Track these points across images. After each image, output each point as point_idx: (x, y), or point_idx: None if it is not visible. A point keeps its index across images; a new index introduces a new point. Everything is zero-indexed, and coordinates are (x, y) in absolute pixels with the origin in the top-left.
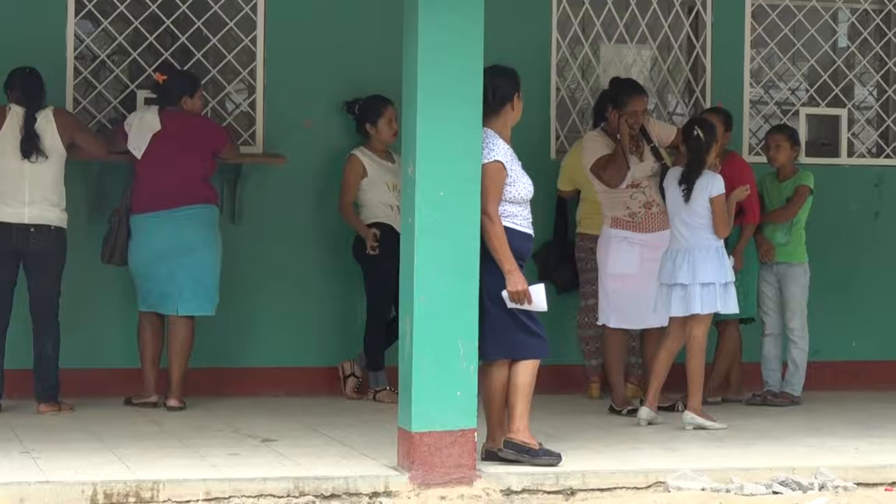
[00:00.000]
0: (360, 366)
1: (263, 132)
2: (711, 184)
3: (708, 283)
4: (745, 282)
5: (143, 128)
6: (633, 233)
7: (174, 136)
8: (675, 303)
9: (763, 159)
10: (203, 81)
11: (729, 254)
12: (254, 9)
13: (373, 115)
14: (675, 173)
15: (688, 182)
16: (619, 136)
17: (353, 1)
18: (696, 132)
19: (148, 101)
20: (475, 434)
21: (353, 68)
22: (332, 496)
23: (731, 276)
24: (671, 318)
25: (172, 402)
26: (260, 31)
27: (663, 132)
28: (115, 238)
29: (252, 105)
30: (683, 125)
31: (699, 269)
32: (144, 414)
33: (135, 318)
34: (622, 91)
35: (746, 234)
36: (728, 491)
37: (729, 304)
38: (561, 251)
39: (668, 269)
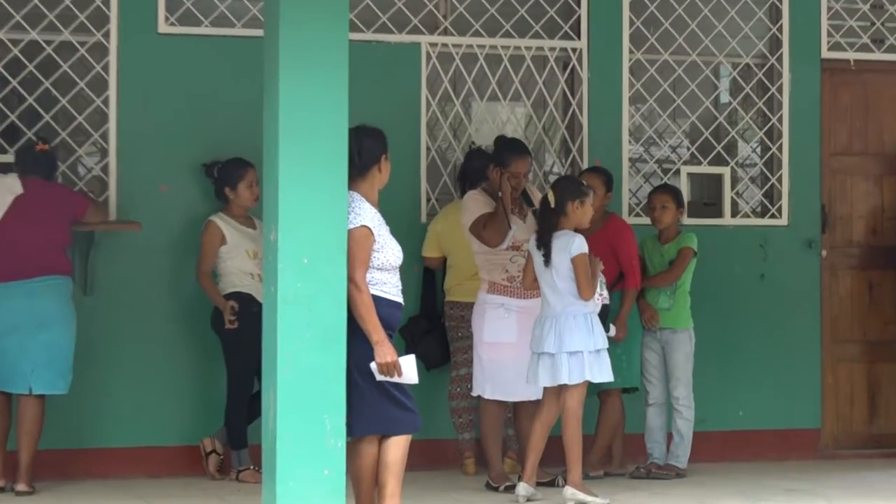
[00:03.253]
0: (221, 442)
1: (117, 198)
2: (570, 243)
3: (575, 352)
4: (628, 349)
5: (2, 194)
6: (511, 298)
7: (34, 204)
8: (542, 373)
9: (643, 220)
10: (53, 144)
11: (612, 321)
12: (105, 68)
13: (232, 178)
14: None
15: (544, 245)
16: (500, 194)
17: (211, 59)
18: (546, 193)
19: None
20: None
21: (211, 129)
22: None
23: (602, 343)
24: (545, 389)
25: (21, 487)
26: (112, 91)
27: (538, 197)
28: None
29: (105, 169)
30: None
31: (566, 337)
32: None
33: None
34: (506, 151)
35: (629, 300)
36: None
37: (602, 373)
38: (428, 325)
39: (537, 337)
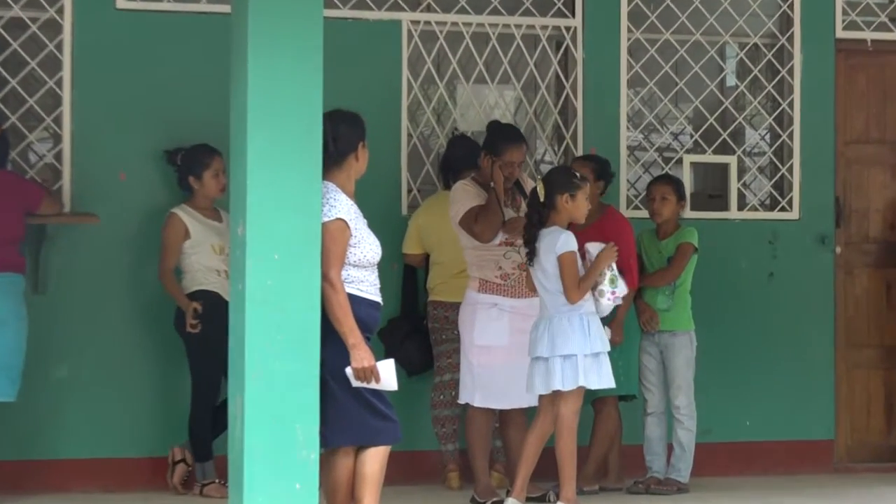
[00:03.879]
0: (191, 452)
1: (71, 187)
2: (556, 241)
3: (569, 356)
4: (625, 354)
5: None
6: (505, 298)
7: None
8: (536, 378)
9: (643, 213)
10: (2, 128)
11: (608, 324)
12: (59, 46)
13: (197, 166)
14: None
15: (528, 242)
16: (492, 184)
17: (174, 37)
18: (535, 186)
19: None
20: None
21: (174, 113)
22: None
23: (600, 346)
24: (540, 397)
25: None
26: (67, 72)
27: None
28: None
29: (58, 156)
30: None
31: (558, 339)
32: None
33: None
34: (498, 138)
35: (626, 301)
36: None
37: (601, 378)
38: (409, 327)
39: (532, 341)
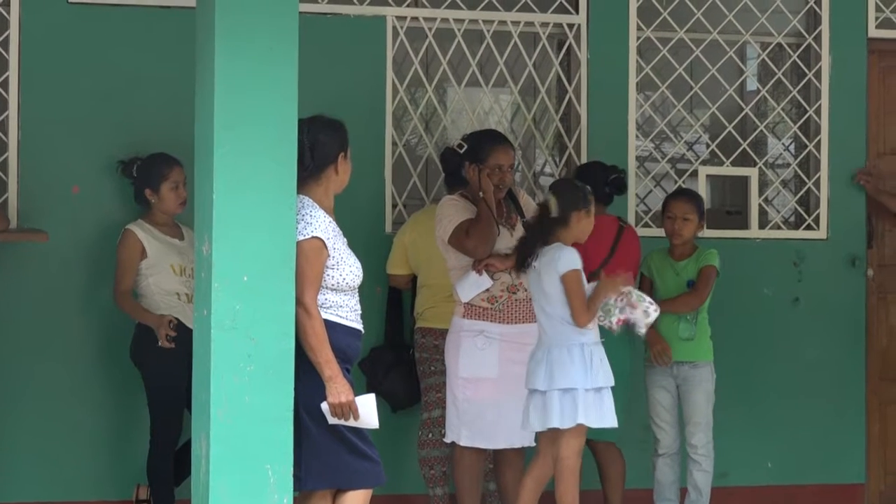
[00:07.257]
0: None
1: (18, 201)
2: (557, 259)
3: (569, 389)
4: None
5: None
6: (492, 324)
7: None
8: (532, 413)
9: (654, 231)
10: None
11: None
12: (4, 44)
13: (153, 178)
14: None
15: (523, 260)
16: (481, 193)
17: (132, 34)
18: (546, 200)
19: None
20: None
21: (132, 119)
22: None
23: (603, 381)
24: (539, 436)
25: None
26: (13, 72)
27: (531, 207)
28: None
29: (3, 166)
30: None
31: (557, 371)
32: None
33: None
34: (480, 142)
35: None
36: None
37: (603, 416)
38: (393, 357)
39: (529, 371)
